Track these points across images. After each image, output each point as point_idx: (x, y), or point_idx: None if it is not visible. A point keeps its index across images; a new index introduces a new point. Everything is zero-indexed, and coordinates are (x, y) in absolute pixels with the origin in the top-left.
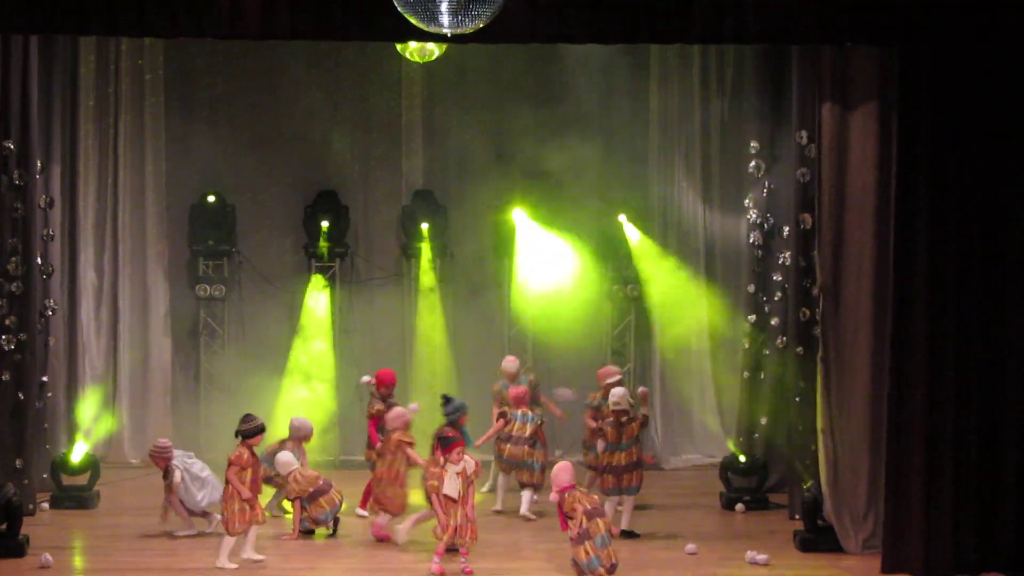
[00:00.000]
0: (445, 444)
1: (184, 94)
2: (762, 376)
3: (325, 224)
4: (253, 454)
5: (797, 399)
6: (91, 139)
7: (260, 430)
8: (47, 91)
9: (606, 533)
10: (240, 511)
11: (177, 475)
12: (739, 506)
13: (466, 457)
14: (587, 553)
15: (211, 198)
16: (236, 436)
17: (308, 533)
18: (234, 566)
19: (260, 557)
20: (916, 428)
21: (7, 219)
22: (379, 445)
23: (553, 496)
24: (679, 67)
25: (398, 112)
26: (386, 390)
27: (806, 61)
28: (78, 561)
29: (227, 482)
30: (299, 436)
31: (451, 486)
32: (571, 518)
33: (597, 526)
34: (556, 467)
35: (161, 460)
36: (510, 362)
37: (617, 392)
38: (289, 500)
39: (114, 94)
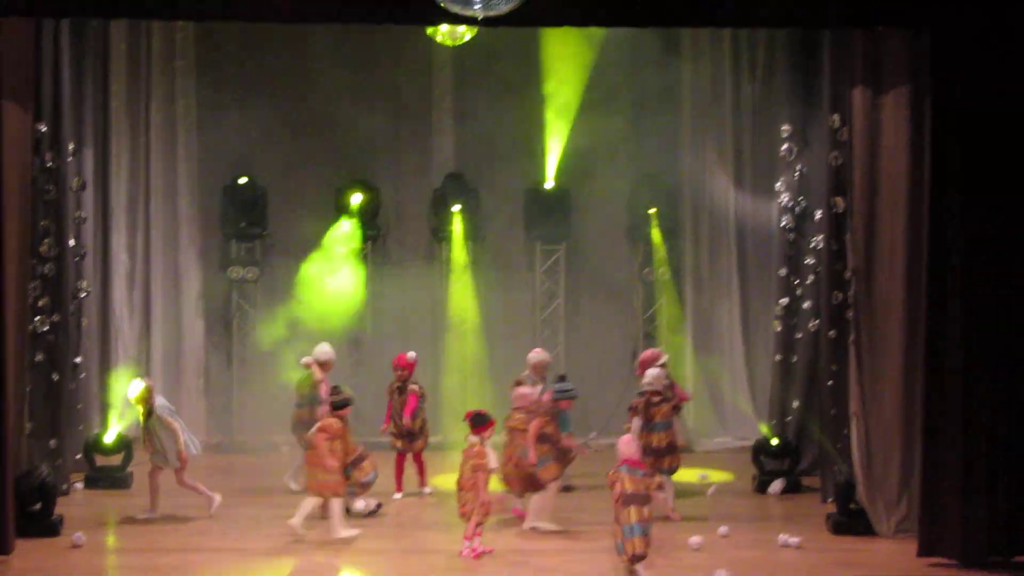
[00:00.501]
0: (480, 423)
1: (215, 76)
2: (794, 359)
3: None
4: (344, 425)
5: (829, 382)
6: (123, 122)
7: (350, 402)
8: (79, 74)
9: (638, 523)
10: (323, 481)
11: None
12: (777, 483)
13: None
14: (615, 536)
15: (243, 180)
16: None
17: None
18: (355, 531)
19: (302, 533)
20: (951, 412)
21: (40, 201)
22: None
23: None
24: (711, 50)
25: (429, 94)
26: (402, 373)
27: (838, 44)
28: (111, 540)
29: (313, 447)
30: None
31: (495, 462)
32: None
33: (628, 514)
34: (620, 439)
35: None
36: (537, 354)
37: (651, 373)
38: None
39: (145, 77)
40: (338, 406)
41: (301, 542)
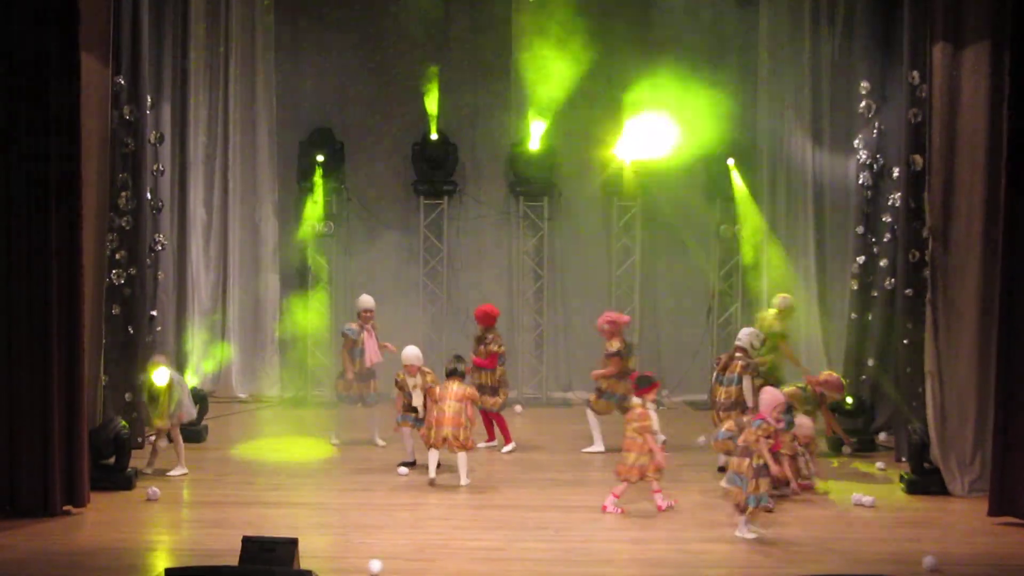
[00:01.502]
0: (645, 384)
1: (294, 32)
2: (869, 318)
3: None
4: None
5: (905, 341)
6: (201, 76)
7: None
8: (157, 28)
9: (735, 473)
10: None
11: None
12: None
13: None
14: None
15: (320, 135)
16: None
17: (411, 464)
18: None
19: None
20: None
21: (118, 155)
22: None
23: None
24: (789, 4)
25: (508, 50)
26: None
27: (918, 0)
28: (186, 494)
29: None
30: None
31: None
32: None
33: (732, 463)
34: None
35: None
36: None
37: (745, 330)
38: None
39: (224, 30)
40: (449, 373)
41: (371, 495)
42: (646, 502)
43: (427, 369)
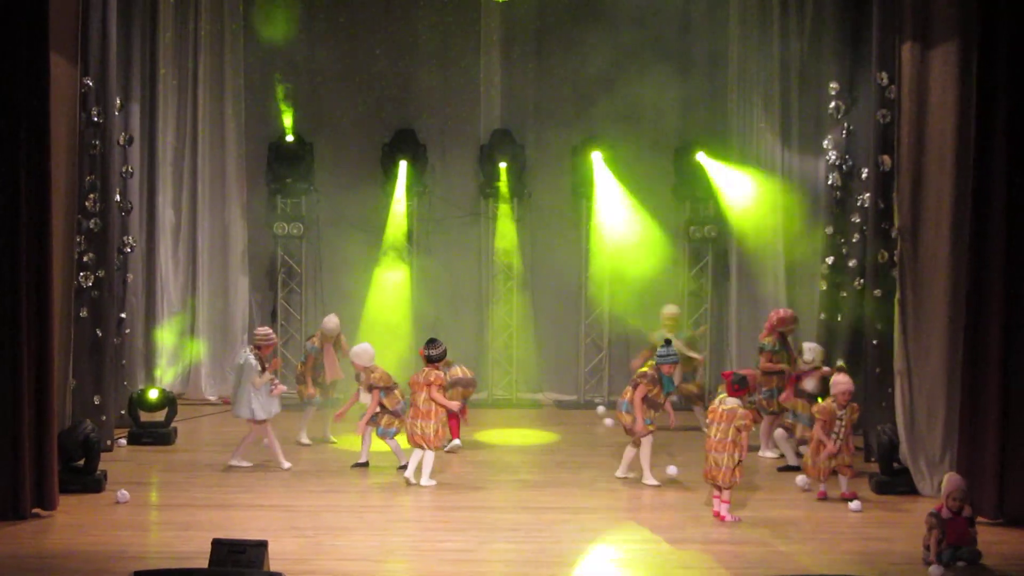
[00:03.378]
0: (742, 386)
1: (263, 31)
2: (839, 318)
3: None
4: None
5: (874, 341)
6: (170, 77)
7: (445, 354)
8: (126, 29)
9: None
10: (441, 429)
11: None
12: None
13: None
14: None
15: (289, 136)
16: (427, 361)
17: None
18: (434, 482)
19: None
20: (991, 372)
21: (86, 156)
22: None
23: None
24: (758, 6)
25: (476, 50)
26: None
27: (886, 1)
28: (155, 496)
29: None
30: (330, 333)
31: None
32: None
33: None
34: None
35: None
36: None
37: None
38: (369, 388)
39: (193, 32)
40: (438, 358)
41: (341, 497)
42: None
43: (373, 366)
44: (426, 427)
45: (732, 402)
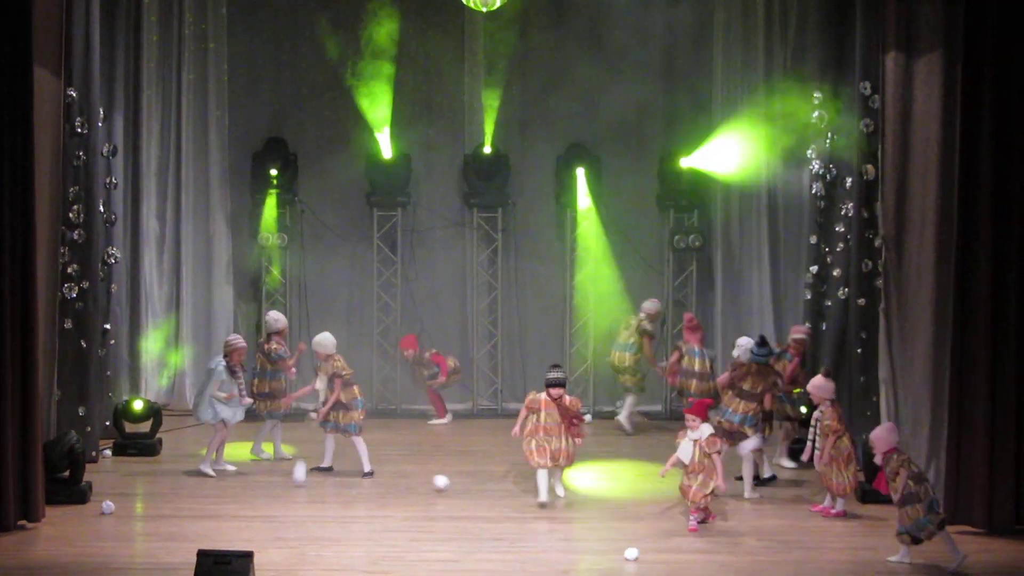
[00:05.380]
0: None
1: (247, 42)
2: (823, 327)
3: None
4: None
5: (859, 351)
6: (153, 88)
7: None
8: (110, 40)
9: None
10: (539, 447)
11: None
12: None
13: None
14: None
15: (273, 146)
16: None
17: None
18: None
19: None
20: (978, 380)
21: (69, 168)
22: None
23: (877, 458)
24: (742, 16)
25: (460, 60)
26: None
27: (870, 10)
28: (140, 508)
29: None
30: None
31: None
32: (893, 481)
33: (926, 490)
34: (880, 428)
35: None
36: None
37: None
38: (328, 377)
39: (176, 43)
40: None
41: (326, 507)
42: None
43: (336, 355)
44: (559, 442)
45: (706, 428)
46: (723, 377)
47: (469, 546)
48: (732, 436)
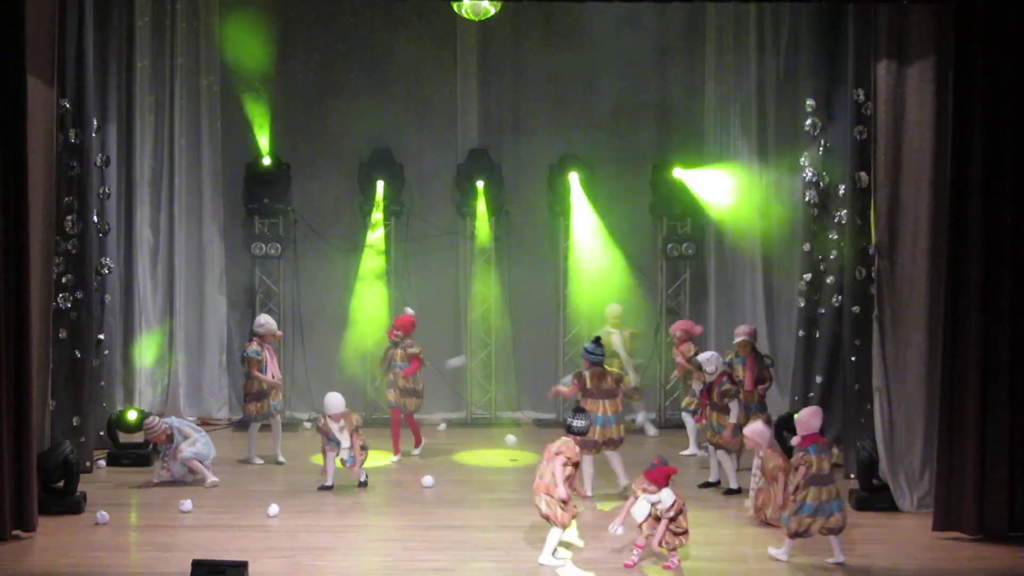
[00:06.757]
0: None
1: (239, 51)
2: (817, 335)
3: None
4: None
5: (852, 358)
6: (147, 98)
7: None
8: (103, 50)
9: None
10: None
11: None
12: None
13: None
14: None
15: (266, 159)
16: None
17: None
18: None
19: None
20: (970, 387)
21: (63, 178)
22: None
23: (795, 440)
24: (735, 23)
25: (453, 70)
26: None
27: (862, 18)
28: (134, 518)
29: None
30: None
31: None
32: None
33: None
34: (805, 411)
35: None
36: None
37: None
38: (354, 430)
39: (169, 53)
40: (578, 431)
41: (320, 517)
42: (587, 517)
43: (351, 411)
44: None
45: (667, 496)
46: (571, 388)
47: (464, 555)
48: (610, 443)
